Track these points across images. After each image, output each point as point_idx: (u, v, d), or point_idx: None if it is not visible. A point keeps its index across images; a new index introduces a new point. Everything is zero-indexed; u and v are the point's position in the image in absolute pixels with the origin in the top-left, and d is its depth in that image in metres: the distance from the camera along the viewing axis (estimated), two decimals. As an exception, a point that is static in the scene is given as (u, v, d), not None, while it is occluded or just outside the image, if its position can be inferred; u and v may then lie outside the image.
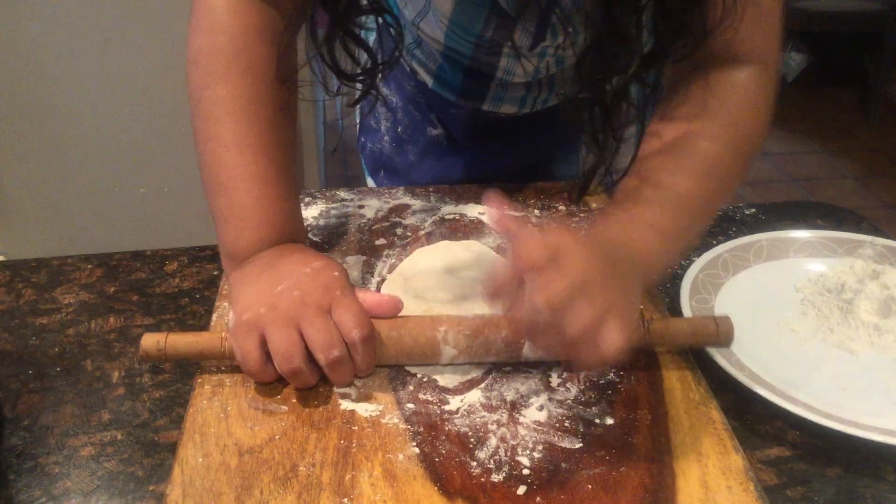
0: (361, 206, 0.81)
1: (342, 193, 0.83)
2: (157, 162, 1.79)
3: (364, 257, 0.73)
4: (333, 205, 0.81)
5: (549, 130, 0.93)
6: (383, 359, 0.59)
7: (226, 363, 0.60)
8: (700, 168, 0.64)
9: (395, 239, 0.76)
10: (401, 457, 0.53)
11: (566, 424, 0.56)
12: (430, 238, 0.76)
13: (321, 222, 0.78)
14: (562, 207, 0.82)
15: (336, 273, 0.61)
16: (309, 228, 0.77)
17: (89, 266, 0.77)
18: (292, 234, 0.66)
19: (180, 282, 0.75)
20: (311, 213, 0.80)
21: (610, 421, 0.56)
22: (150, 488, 0.55)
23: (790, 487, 0.56)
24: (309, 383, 0.57)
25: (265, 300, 0.58)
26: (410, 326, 0.59)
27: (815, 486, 0.56)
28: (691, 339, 0.62)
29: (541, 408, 0.57)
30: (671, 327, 0.62)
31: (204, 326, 0.69)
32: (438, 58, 0.85)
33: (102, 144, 1.76)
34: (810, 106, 3.61)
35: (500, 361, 0.61)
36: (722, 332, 0.62)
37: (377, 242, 0.76)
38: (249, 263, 0.63)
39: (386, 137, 0.94)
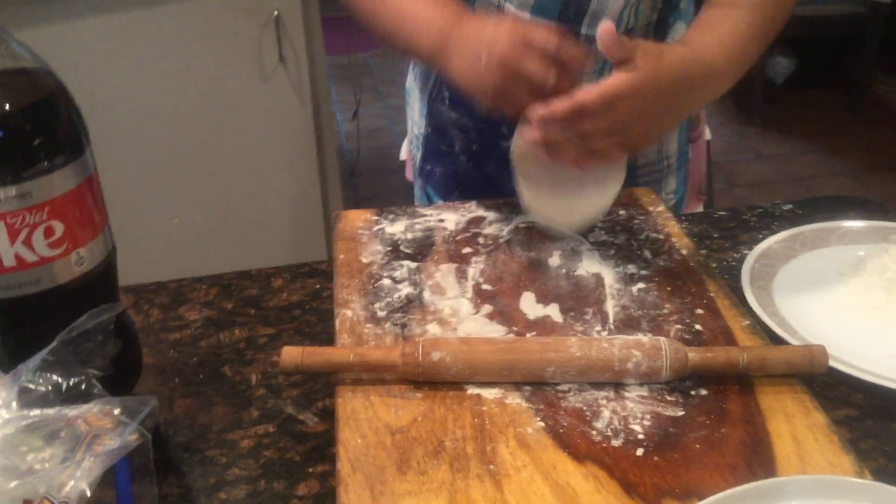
0: (441, 220, 0.90)
1: (421, 209, 0.92)
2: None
3: (455, 264, 0.82)
4: (416, 220, 0.90)
5: None
6: (488, 376, 0.66)
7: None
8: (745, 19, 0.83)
9: (479, 247, 0.85)
10: (529, 430, 0.61)
11: (666, 396, 0.64)
12: (510, 245, 0.85)
13: (409, 235, 0.87)
14: (622, 212, 0.91)
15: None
16: (399, 242, 0.86)
17: (204, 286, 0.85)
18: (462, 14, 0.82)
19: (289, 295, 0.83)
20: (398, 227, 0.88)
21: (704, 392, 0.65)
22: (310, 470, 0.63)
23: (862, 441, 0.64)
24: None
25: (481, 44, 0.75)
26: (519, 364, 0.64)
27: (883, 439, 0.65)
28: (786, 369, 0.65)
29: (643, 383, 0.66)
30: (767, 357, 0.65)
31: (319, 334, 0.78)
32: None
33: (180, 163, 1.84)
34: (800, 108, 3.74)
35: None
36: (817, 363, 0.65)
37: (464, 251, 0.84)
38: (447, 49, 0.79)
39: (462, 157, 1.02)
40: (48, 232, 0.59)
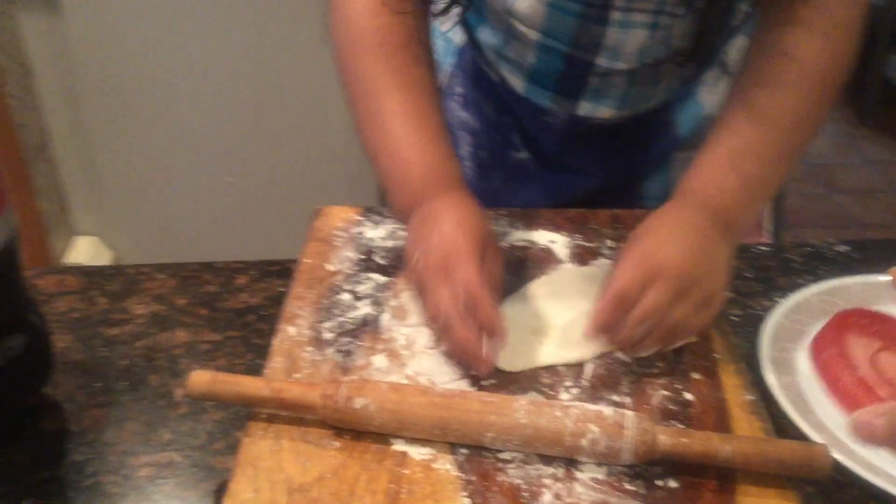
0: (431, 228, 0.80)
1: (412, 213, 0.82)
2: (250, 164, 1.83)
3: (430, 284, 0.72)
4: (402, 226, 0.80)
5: (642, 143, 0.90)
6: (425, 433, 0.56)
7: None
8: (779, 118, 0.68)
9: (463, 265, 0.75)
10: (450, 507, 0.52)
11: (626, 485, 0.53)
12: (498, 266, 0.74)
13: (389, 243, 0.77)
14: (638, 238, 0.79)
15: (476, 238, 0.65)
16: (375, 249, 0.76)
17: (162, 276, 0.78)
18: (450, 183, 0.72)
19: (249, 297, 0.76)
20: (379, 232, 0.79)
21: (673, 484, 0.54)
22: (203, 515, 0.55)
23: (865, 568, 0.52)
24: (466, 345, 0.60)
25: (420, 246, 0.67)
26: (453, 423, 0.55)
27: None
28: (777, 469, 0.53)
29: (600, 463, 0.55)
30: (755, 453, 0.53)
31: (265, 347, 0.69)
32: (533, 52, 0.82)
33: (200, 139, 1.81)
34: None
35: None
36: (817, 468, 0.53)
37: (444, 268, 0.74)
38: (415, 215, 0.70)
39: (468, 163, 0.92)
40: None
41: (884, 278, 0.75)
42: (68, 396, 0.64)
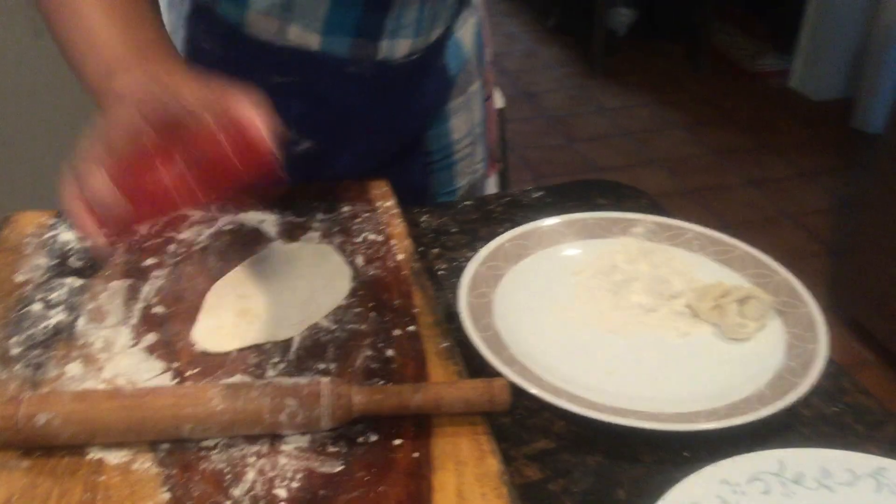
0: (135, 222, 0.77)
1: (113, 209, 0.79)
2: None
3: (130, 280, 0.70)
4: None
5: (423, 90, 0.91)
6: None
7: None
8: None
9: (166, 258, 0.73)
10: (150, 504, 0.51)
11: (329, 447, 0.55)
12: (204, 254, 0.73)
13: (85, 244, 0.74)
14: (346, 208, 0.81)
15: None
16: (72, 252, 0.72)
17: None
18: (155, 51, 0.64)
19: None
20: (74, 235, 0.75)
21: (374, 437, 0.56)
22: None
23: (552, 481, 0.58)
24: None
25: None
26: (147, 423, 0.54)
27: (575, 476, 0.58)
28: (464, 408, 0.57)
29: (304, 433, 0.56)
30: (443, 396, 0.56)
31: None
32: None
33: None
34: (641, 60, 3.75)
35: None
36: (498, 401, 0.57)
37: (146, 263, 0.72)
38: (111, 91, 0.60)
39: None
40: None
41: (569, 217, 0.82)
42: None
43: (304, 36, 0.81)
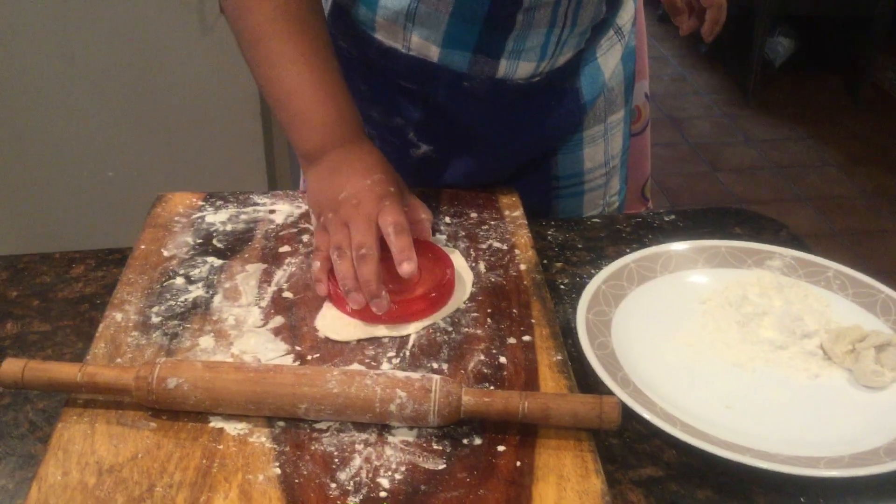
0: (272, 211, 0.81)
1: (255, 197, 0.83)
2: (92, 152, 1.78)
3: (265, 265, 0.73)
4: (244, 209, 0.81)
5: (550, 111, 0.90)
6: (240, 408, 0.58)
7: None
8: None
9: (300, 246, 0.76)
10: (261, 478, 0.53)
11: (434, 445, 0.56)
12: (334, 245, 0.76)
13: (228, 227, 0.78)
14: (474, 215, 0.82)
15: (392, 189, 0.72)
16: (214, 234, 0.77)
17: (-7, 269, 0.77)
18: (353, 131, 0.76)
19: (84, 286, 0.75)
20: (221, 217, 0.79)
21: (478, 441, 0.57)
22: (18, 502, 0.55)
23: (656, 510, 0.56)
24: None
25: (331, 206, 0.71)
26: (267, 398, 0.57)
27: (681, 509, 0.56)
28: (571, 422, 0.56)
29: (411, 427, 0.57)
30: (551, 407, 0.56)
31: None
32: (446, 12, 0.80)
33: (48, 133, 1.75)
34: (797, 91, 3.58)
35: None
36: (607, 419, 0.56)
37: (281, 250, 0.75)
38: (319, 164, 0.75)
39: None
40: None
41: (700, 242, 0.79)
42: None
43: (425, 46, 0.82)
